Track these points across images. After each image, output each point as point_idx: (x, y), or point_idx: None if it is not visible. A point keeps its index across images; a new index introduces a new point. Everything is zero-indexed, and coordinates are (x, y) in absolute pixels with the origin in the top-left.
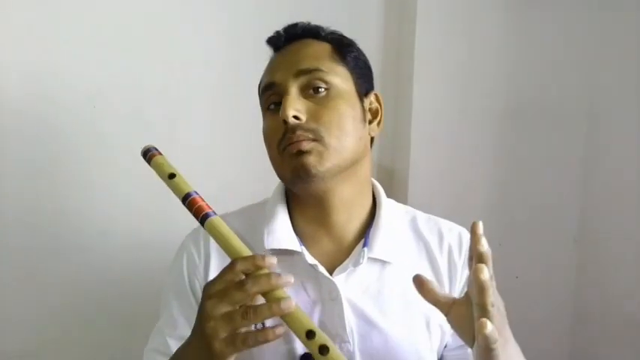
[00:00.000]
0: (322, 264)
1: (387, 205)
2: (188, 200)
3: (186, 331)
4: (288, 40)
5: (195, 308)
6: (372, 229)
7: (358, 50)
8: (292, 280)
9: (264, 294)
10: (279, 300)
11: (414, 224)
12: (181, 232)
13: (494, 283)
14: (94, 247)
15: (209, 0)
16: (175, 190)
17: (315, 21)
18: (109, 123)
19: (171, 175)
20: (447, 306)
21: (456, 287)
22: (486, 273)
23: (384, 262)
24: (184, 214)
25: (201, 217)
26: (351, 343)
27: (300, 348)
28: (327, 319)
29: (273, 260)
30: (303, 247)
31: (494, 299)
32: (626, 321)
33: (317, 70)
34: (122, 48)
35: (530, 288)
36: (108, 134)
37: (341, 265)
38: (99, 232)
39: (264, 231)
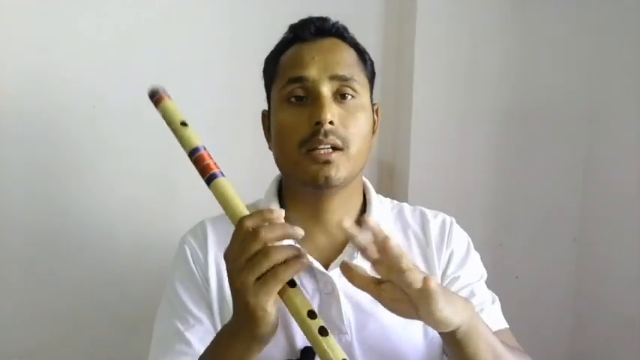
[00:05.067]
0: (317, 259)
1: (376, 200)
2: (195, 156)
3: (202, 321)
4: (318, 34)
5: (207, 297)
6: (363, 225)
7: (371, 59)
8: (303, 232)
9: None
10: (293, 227)
11: (401, 216)
12: (182, 232)
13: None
14: (94, 247)
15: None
16: (183, 140)
17: None
18: (109, 123)
19: (184, 123)
20: (376, 290)
21: (440, 267)
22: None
23: None
24: (184, 214)
25: (208, 176)
26: (349, 334)
27: (300, 342)
28: (324, 313)
29: (281, 213)
30: (297, 246)
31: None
32: (626, 321)
33: (351, 79)
34: (122, 48)
35: (530, 288)
36: (108, 134)
37: (336, 260)
38: (99, 232)
39: None
